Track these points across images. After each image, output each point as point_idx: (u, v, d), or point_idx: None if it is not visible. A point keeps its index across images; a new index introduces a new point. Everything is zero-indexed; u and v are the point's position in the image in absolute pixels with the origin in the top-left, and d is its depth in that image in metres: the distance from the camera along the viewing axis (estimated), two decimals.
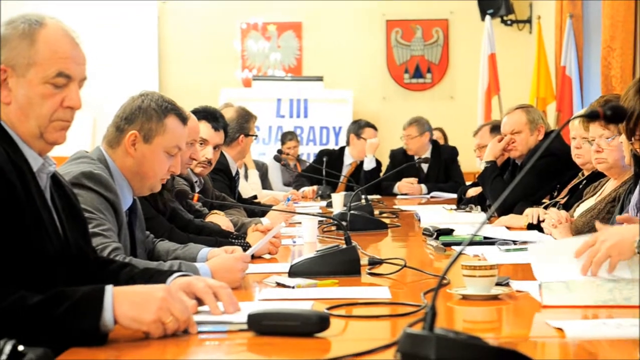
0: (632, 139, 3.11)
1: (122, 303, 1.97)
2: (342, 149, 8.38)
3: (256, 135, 5.70)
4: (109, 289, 1.98)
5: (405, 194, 7.64)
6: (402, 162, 7.75)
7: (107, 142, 3.12)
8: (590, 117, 2.21)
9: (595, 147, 3.90)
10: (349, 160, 8.22)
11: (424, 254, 3.77)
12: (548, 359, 1.93)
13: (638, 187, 3.34)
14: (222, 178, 5.27)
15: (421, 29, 11.00)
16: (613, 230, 2.38)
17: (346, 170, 8.12)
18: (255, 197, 6.08)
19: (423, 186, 7.76)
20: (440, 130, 9.77)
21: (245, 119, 5.44)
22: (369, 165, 7.98)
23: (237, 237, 3.77)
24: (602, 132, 3.83)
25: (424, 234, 4.15)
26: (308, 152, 9.91)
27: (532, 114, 5.54)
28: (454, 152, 8.24)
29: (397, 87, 11.02)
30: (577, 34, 8.13)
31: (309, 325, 2.04)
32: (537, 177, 5.00)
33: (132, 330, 2.01)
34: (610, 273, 2.39)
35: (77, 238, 2.36)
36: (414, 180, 7.78)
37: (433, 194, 7.58)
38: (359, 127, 8.22)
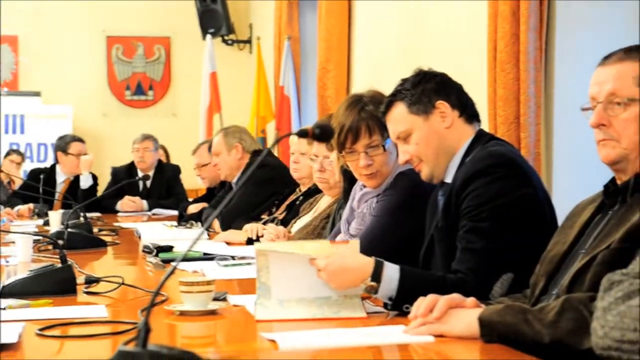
0: (343, 152, 3.26)
1: None
2: (53, 166, 8.11)
3: None
4: None
5: (127, 212, 7.54)
6: (124, 180, 7.65)
7: None
8: (300, 135, 2.29)
9: (319, 167, 4.02)
10: (61, 177, 7.96)
11: (144, 271, 3.75)
12: None
13: (349, 202, 3.50)
14: None
15: (143, 46, 10.92)
16: (337, 271, 2.43)
17: (60, 187, 7.87)
18: None
19: (144, 202, 7.70)
20: (163, 147, 9.74)
21: None
22: (85, 183, 7.76)
23: None
24: (326, 153, 3.94)
25: (143, 251, 4.12)
26: (26, 169, 9.54)
27: (228, 136, 5.80)
28: (176, 170, 8.25)
29: (118, 103, 10.87)
30: (295, 55, 8.38)
31: None
32: (254, 186, 5.27)
33: None
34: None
35: None
36: (136, 199, 7.70)
37: (155, 210, 7.54)
38: (64, 143, 7.99)
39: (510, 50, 4.24)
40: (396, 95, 2.82)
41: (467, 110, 2.79)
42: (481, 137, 2.78)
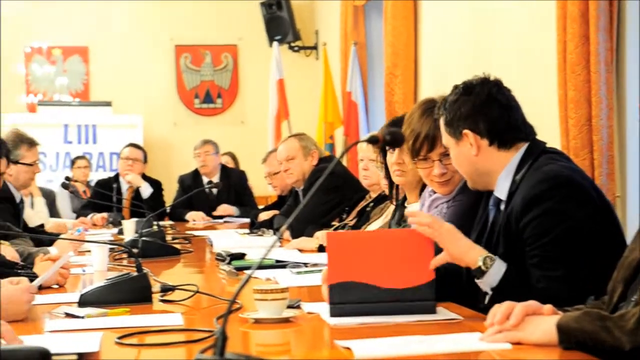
0: (416, 158, 3.26)
1: None
2: (117, 175, 8.11)
3: (31, 164, 5.45)
4: None
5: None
6: (191, 187, 7.71)
7: None
8: (371, 141, 2.29)
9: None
10: (125, 186, 8.02)
11: (217, 279, 3.78)
12: None
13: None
14: (6, 206, 5.07)
15: (210, 54, 11.03)
16: (452, 231, 2.53)
17: (126, 196, 7.94)
18: (42, 225, 5.89)
19: (234, 208, 7.75)
20: (231, 154, 9.81)
21: (13, 144, 5.17)
22: (145, 192, 7.82)
23: (23, 268, 3.63)
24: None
25: (216, 259, 4.16)
26: (98, 178, 9.68)
27: (304, 141, 5.90)
28: (242, 176, 8.30)
29: (187, 112, 10.99)
30: (361, 61, 8.38)
31: None
32: (321, 194, 5.28)
33: None
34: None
35: None
36: (223, 207, 7.75)
37: (226, 218, 7.59)
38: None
39: (580, 51, 4.19)
40: (440, 109, 2.84)
41: (500, 137, 2.72)
42: (532, 151, 2.73)
